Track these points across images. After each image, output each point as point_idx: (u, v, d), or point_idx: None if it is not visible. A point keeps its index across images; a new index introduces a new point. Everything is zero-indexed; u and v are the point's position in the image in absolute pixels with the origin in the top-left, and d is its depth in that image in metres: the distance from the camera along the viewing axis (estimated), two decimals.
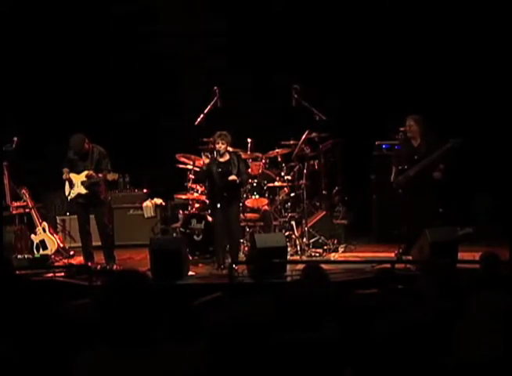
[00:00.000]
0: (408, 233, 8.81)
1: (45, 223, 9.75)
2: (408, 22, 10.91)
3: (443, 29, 10.87)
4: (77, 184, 8.93)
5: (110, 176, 8.81)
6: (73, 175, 8.95)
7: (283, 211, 9.95)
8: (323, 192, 10.54)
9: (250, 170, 9.71)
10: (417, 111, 9.00)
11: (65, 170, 8.97)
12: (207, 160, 9.16)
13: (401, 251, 8.74)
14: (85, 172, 8.88)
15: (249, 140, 10.10)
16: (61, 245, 9.69)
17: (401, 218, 9.10)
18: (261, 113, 11.06)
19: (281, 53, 11.26)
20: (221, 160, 8.86)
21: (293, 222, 9.84)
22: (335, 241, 9.93)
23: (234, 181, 8.73)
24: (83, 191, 8.92)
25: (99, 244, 9.23)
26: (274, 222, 9.73)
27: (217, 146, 8.79)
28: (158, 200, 11.10)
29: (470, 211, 10.59)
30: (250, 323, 3.65)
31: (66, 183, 9.01)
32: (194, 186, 9.81)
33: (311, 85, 10.06)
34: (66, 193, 9.06)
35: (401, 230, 9.03)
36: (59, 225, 10.87)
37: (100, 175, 8.79)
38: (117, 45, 11.44)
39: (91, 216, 9.22)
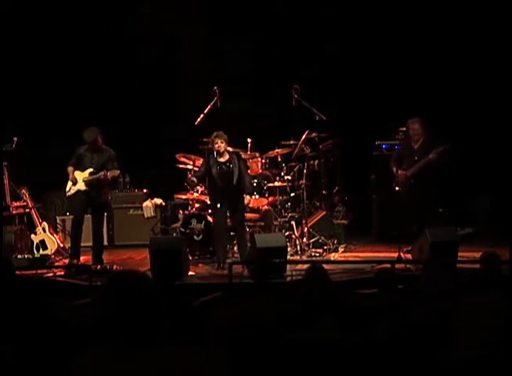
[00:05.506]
0: (417, 232, 8.77)
1: (45, 223, 9.74)
2: (408, 22, 10.91)
3: (443, 29, 10.86)
4: (79, 181, 8.92)
5: (111, 173, 8.80)
6: (77, 173, 8.94)
7: (283, 211, 9.95)
8: (323, 192, 10.52)
9: (250, 170, 9.71)
10: (417, 111, 9.01)
11: (70, 169, 8.95)
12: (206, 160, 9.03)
13: (405, 250, 8.70)
14: (89, 170, 8.88)
15: (249, 140, 10.10)
16: (61, 245, 9.67)
17: (408, 220, 9.10)
18: (262, 112, 11.05)
19: (281, 53, 11.26)
20: (221, 160, 8.84)
21: (293, 222, 9.83)
22: (335, 241, 9.93)
23: (248, 202, 9.02)
24: (83, 188, 8.91)
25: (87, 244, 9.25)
26: (274, 222, 9.73)
27: (216, 146, 8.73)
28: (158, 200, 11.08)
29: (470, 211, 10.59)
30: (249, 324, 3.65)
31: (69, 180, 8.99)
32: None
33: (311, 85, 10.06)
34: (67, 189, 9.05)
35: (411, 230, 8.96)
36: (59, 226, 10.85)
37: (102, 173, 8.78)
38: (117, 45, 11.43)
39: (87, 216, 9.22)
